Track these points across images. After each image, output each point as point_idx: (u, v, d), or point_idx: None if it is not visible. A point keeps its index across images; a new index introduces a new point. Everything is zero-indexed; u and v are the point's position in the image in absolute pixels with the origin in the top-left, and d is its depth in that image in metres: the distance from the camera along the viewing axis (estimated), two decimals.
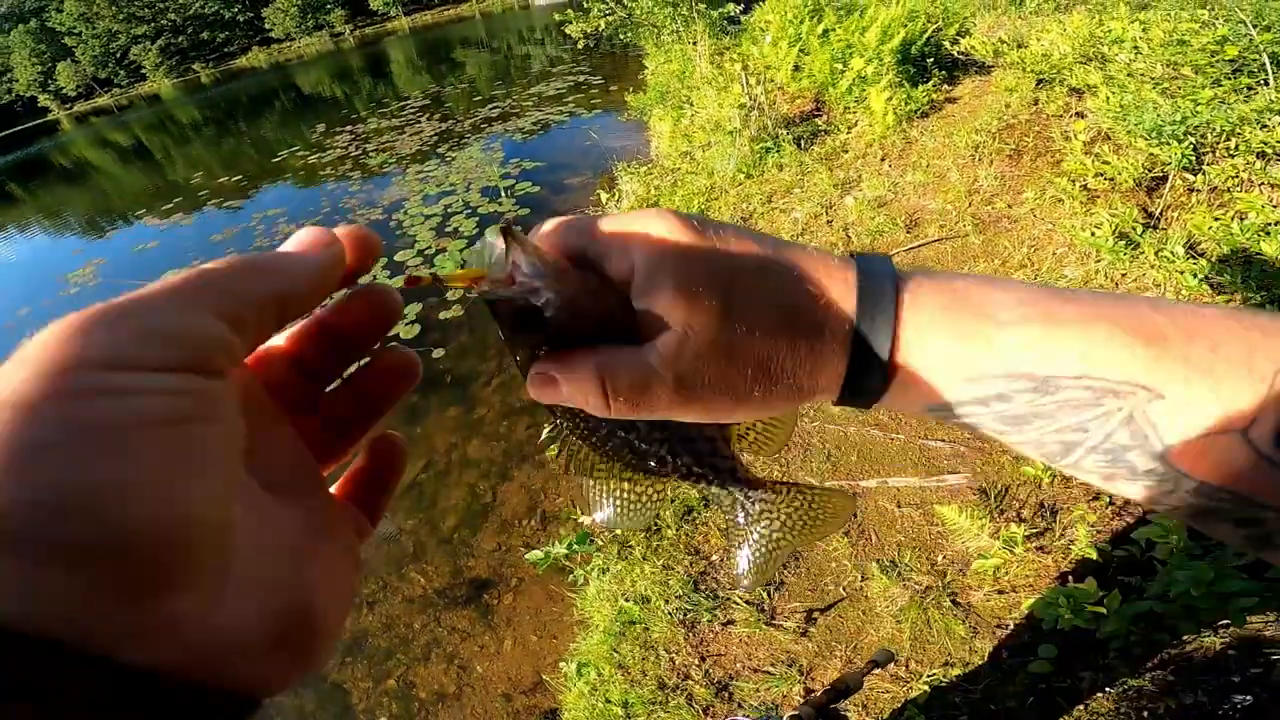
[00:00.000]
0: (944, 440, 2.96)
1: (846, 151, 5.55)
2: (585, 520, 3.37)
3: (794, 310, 0.38)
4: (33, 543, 0.19)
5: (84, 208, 16.57)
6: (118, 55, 68.76)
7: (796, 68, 6.64)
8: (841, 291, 0.38)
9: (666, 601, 2.72)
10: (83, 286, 9.47)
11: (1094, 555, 2.16)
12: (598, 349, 0.39)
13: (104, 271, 9.88)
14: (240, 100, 30.98)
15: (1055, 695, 1.94)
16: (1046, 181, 3.90)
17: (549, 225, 0.41)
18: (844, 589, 2.58)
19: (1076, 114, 4.17)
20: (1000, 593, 2.35)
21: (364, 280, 0.37)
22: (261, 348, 0.35)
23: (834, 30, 6.26)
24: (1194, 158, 3.21)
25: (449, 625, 3.24)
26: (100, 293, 8.90)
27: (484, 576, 3.43)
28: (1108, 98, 3.69)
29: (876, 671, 2.21)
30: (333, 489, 0.37)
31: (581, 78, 13.67)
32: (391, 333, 0.39)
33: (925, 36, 5.86)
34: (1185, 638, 1.82)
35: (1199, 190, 3.20)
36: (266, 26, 69.65)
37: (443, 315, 5.64)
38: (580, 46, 10.36)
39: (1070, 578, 2.20)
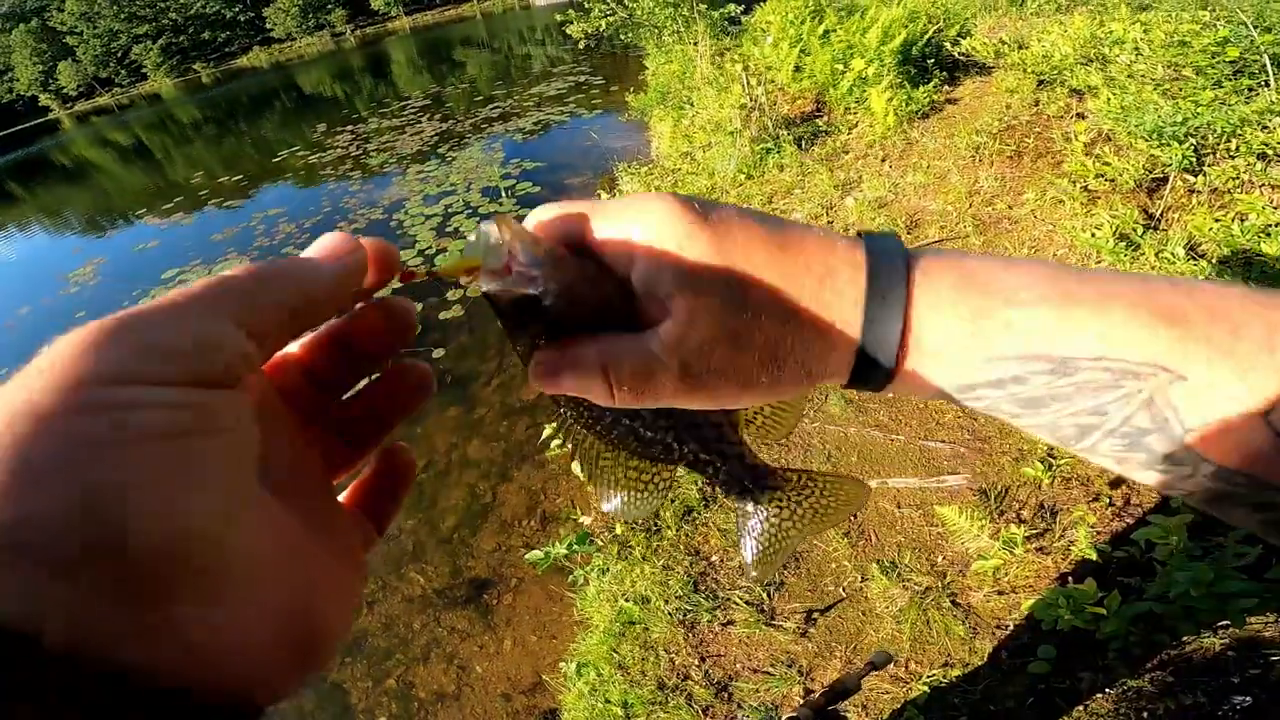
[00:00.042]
0: (944, 441, 2.96)
1: (847, 152, 5.55)
2: (585, 520, 3.37)
3: (801, 293, 0.37)
4: (38, 551, 0.20)
5: (84, 207, 16.59)
6: (119, 55, 68.81)
7: (797, 68, 6.64)
8: (850, 273, 0.37)
9: (666, 602, 2.72)
10: (83, 285, 9.49)
11: (1094, 556, 2.16)
12: (599, 337, 0.38)
13: (104, 270, 9.89)
14: (241, 100, 30.99)
15: (1054, 696, 1.94)
16: (1047, 183, 3.90)
17: (545, 212, 0.40)
18: (844, 589, 2.58)
19: (1077, 115, 4.17)
20: (1000, 593, 2.35)
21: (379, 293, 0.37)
22: (277, 354, 0.35)
23: (835, 31, 6.27)
24: (1195, 159, 3.21)
25: (448, 625, 3.24)
26: (100, 291, 8.93)
27: (484, 576, 3.43)
28: (1109, 99, 3.69)
29: (875, 673, 2.21)
30: (341, 497, 0.37)
31: (582, 78, 13.68)
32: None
33: (926, 37, 5.86)
34: (1185, 638, 1.82)
35: (1200, 192, 3.20)
36: (267, 26, 69.71)
37: (443, 315, 5.64)
38: (581, 47, 10.38)
39: (1070, 579, 2.20)
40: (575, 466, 3.28)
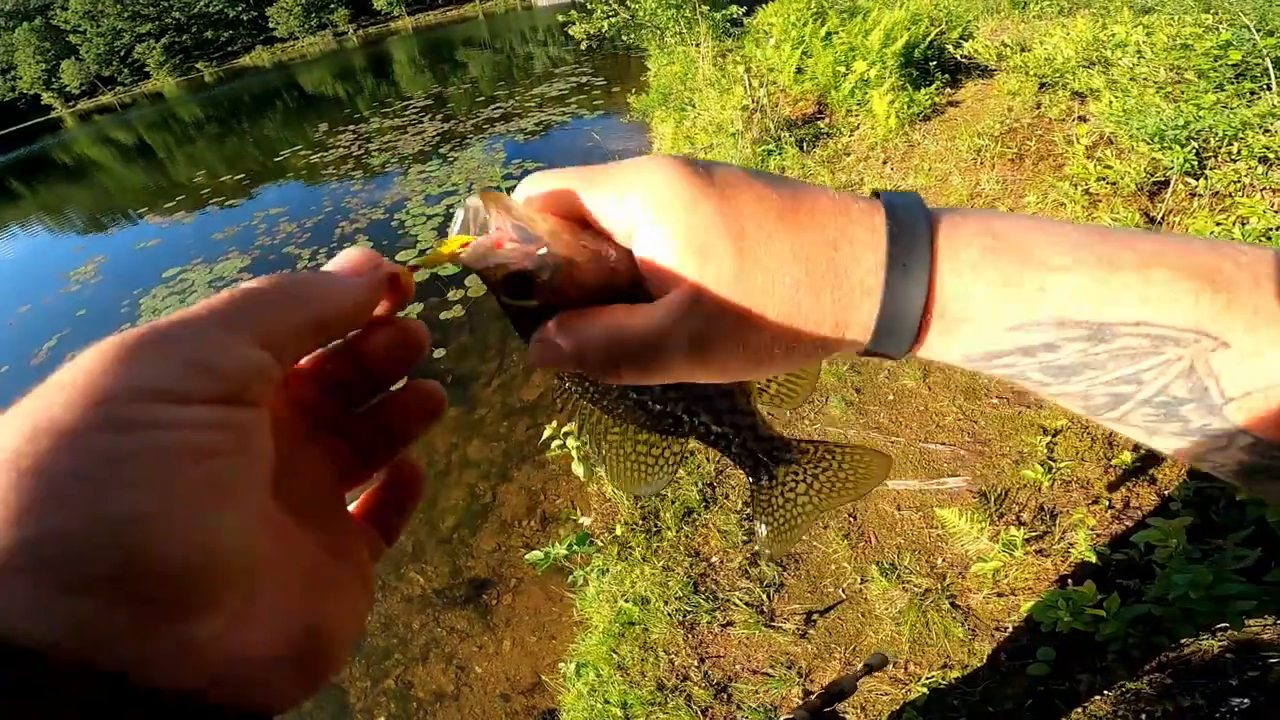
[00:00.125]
0: (944, 444, 2.96)
1: (849, 154, 5.56)
2: (585, 521, 3.37)
3: (815, 259, 0.34)
4: (63, 569, 0.20)
5: (86, 205, 16.62)
6: (122, 53, 68.89)
7: (799, 70, 6.64)
8: (868, 237, 0.35)
9: (666, 603, 2.72)
10: (84, 284, 9.50)
11: (1093, 558, 2.16)
12: (602, 312, 0.36)
13: (105, 269, 9.90)
14: (243, 99, 31.03)
15: (1053, 698, 1.94)
16: (1049, 185, 3.90)
17: (536, 182, 0.38)
18: (843, 591, 2.58)
19: (1079, 118, 4.17)
20: (999, 595, 2.35)
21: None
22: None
23: (837, 33, 6.27)
24: (1196, 162, 3.21)
25: (448, 625, 3.24)
26: (101, 290, 8.94)
27: (483, 577, 3.43)
28: (1110, 102, 3.69)
29: (872, 675, 2.21)
30: (351, 507, 0.37)
31: (584, 79, 13.70)
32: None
33: (928, 40, 5.86)
34: (1183, 641, 1.82)
35: (1201, 195, 3.20)
36: (270, 25, 69.79)
37: (443, 315, 5.64)
38: (583, 48, 10.40)
39: (1069, 581, 2.20)
40: (576, 467, 3.28)
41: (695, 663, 2.53)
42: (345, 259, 0.34)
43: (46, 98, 69.98)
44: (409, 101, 16.70)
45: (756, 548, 2.82)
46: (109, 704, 0.20)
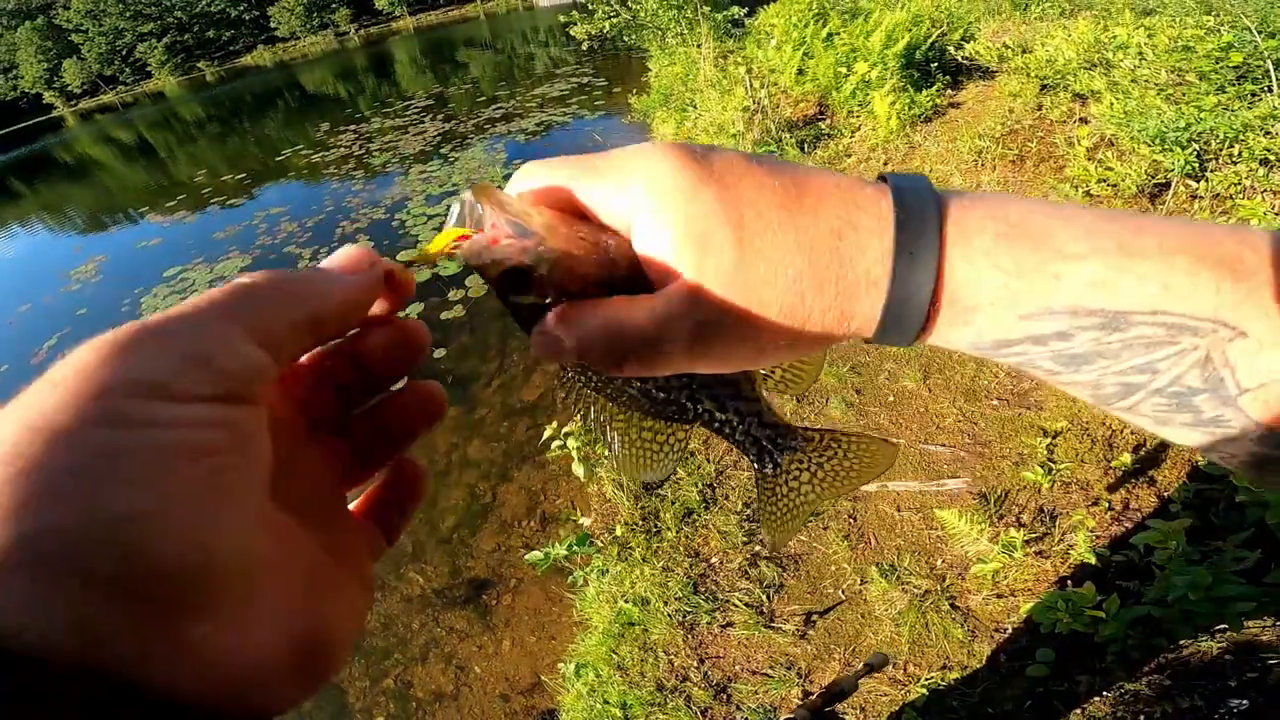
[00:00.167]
0: (944, 445, 2.96)
1: (850, 155, 5.56)
2: (585, 521, 3.37)
3: (818, 248, 0.33)
4: (59, 569, 0.20)
5: (87, 204, 16.62)
6: (123, 53, 68.95)
7: (800, 71, 6.65)
8: (874, 224, 0.34)
9: (665, 603, 2.72)
10: (84, 282, 9.50)
11: (1093, 560, 2.16)
12: (601, 304, 0.35)
13: (106, 268, 9.91)
14: (245, 98, 31.05)
15: (1053, 699, 1.94)
16: (1050, 187, 3.91)
17: (530, 173, 0.37)
18: (843, 592, 2.58)
19: (1080, 120, 4.18)
20: (999, 597, 2.35)
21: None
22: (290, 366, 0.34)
23: (839, 34, 6.28)
24: (1197, 164, 3.21)
25: (447, 625, 3.24)
26: (102, 289, 8.93)
27: (483, 577, 3.43)
28: (1112, 104, 3.69)
29: (872, 675, 2.21)
30: (352, 506, 0.37)
31: (585, 79, 13.70)
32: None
33: (930, 41, 5.87)
34: (1182, 642, 1.82)
35: (1201, 197, 3.20)
36: (272, 25, 69.84)
37: (444, 315, 5.64)
38: (584, 48, 10.41)
39: (1069, 582, 2.20)
40: (576, 468, 3.28)
41: (695, 663, 2.53)
42: (341, 256, 0.34)
43: (48, 97, 70.02)
44: (410, 101, 16.70)
45: (760, 535, 2.83)
46: (107, 704, 0.20)
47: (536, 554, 3.11)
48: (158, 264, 8.76)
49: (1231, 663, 1.68)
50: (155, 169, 18.69)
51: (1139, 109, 3.49)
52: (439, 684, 3.00)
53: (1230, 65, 3.37)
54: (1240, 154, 3.09)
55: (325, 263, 0.33)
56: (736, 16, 8.89)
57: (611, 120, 10.49)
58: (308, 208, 9.61)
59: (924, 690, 2.16)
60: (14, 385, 0.22)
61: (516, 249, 0.34)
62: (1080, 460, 2.62)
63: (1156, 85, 3.65)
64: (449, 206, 0.36)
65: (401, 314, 0.37)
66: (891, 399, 3.31)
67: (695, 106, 7.64)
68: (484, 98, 14.71)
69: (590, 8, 9.57)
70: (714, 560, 2.87)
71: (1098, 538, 2.31)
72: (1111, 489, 2.47)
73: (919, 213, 0.33)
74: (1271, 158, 2.99)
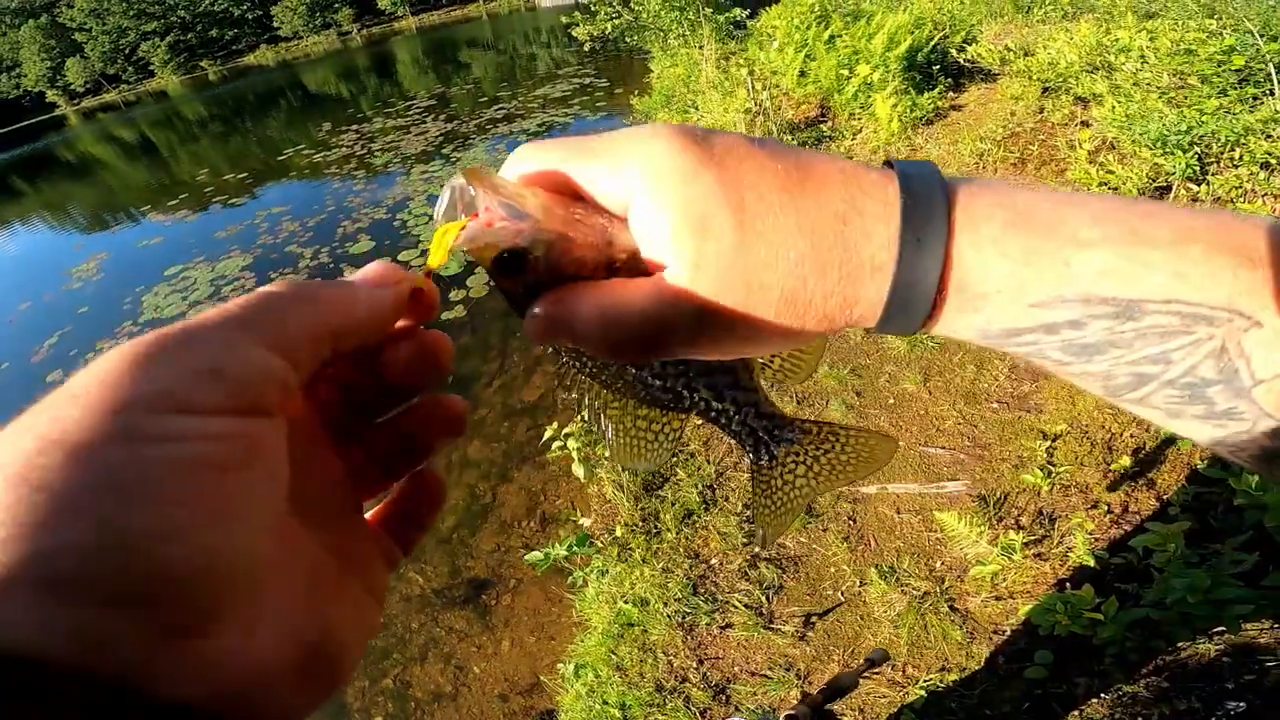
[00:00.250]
0: (944, 448, 2.96)
1: (851, 158, 5.54)
2: (585, 522, 3.38)
3: (822, 232, 0.33)
4: (76, 584, 0.20)
5: (89, 203, 16.63)
6: (127, 51, 69.03)
7: (802, 73, 6.66)
8: (880, 210, 0.33)
9: (665, 604, 2.72)
10: (86, 281, 9.50)
11: (1091, 562, 2.16)
12: (597, 288, 0.35)
13: (107, 266, 9.91)
14: (247, 98, 31.08)
15: (1051, 701, 1.94)
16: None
17: (525, 156, 0.36)
18: (842, 594, 2.58)
19: (1082, 123, 4.18)
20: (998, 599, 2.35)
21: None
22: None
23: (841, 36, 6.28)
24: (1198, 168, 3.21)
25: (446, 625, 3.25)
26: (103, 287, 8.94)
27: (482, 577, 3.43)
28: (1113, 107, 3.70)
29: (874, 673, 2.21)
30: (368, 514, 0.37)
31: (587, 80, 13.71)
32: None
33: (932, 44, 5.88)
34: (1181, 645, 1.82)
35: (1203, 200, 3.20)
36: (275, 25, 69.88)
37: (444, 315, 5.65)
38: (586, 49, 10.42)
39: (1068, 584, 2.20)
40: (576, 468, 3.28)
41: (694, 664, 2.53)
42: (369, 271, 0.34)
43: (51, 95, 70.09)
44: (412, 101, 16.71)
45: (754, 531, 2.83)
46: (109, 706, 0.20)
47: (536, 554, 3.11)
48: (159, 262, 8.77)
49: (1229, 665, 1.68)
50: (157, 168, 18.70)
51: (1141, 112, 3.50)
52: (438, 684, 3.00)
53: (1232, 69, 3.38)
54: (1241, 157, 3.09)
55: (353, 276, 0.33)
56: (738, 18, 8.90)
57: (613, 121, 10.50)
58: (309, 207, 9.62)
59: (922, 692, 2.17)
60: (15, 383, 0.22)
61: (511, 231, 0.33)
62: (1079, 463, 2.62)
63: (1158, 88, 3.65)
64: (444, 193, 0.35)
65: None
66: (892, 401, 3.32)
67: (697, 108, 7.65)
68: (486, 98, 14.72)
69: (592, 9, 9.59)
70: (714, 561, 2.87)
71: (1096, 540, 2.31)
72: (1110, 491, 2.47)
73: (926, 199, 0.33)
74: (1272, 161, 2.99)
